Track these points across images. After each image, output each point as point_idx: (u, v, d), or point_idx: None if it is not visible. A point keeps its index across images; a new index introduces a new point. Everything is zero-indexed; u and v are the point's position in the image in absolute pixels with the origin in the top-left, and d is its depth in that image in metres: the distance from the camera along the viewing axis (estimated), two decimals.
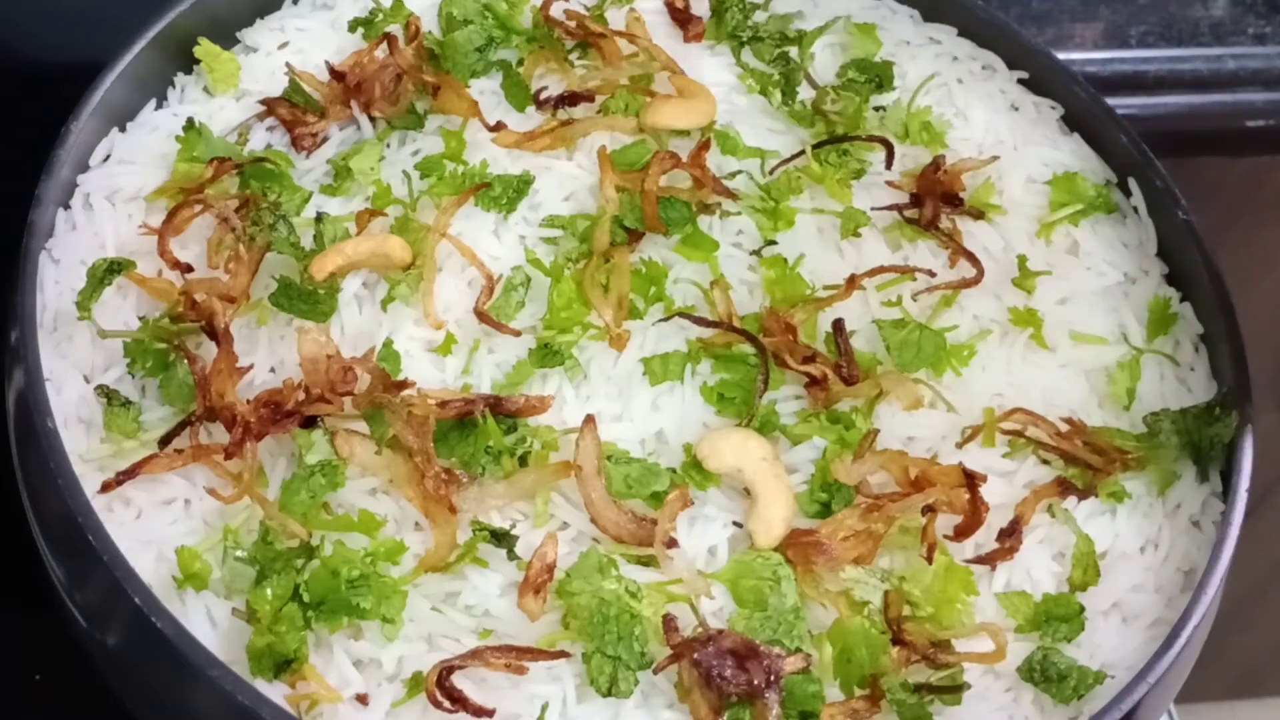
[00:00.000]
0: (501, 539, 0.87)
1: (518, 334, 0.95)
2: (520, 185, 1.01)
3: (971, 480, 0.91)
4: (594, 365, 0.95)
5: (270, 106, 1.06)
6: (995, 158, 1.08)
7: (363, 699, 0.84)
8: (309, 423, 0.91)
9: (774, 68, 1.12)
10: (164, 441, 0.91)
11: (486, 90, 1.10)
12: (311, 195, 1.03)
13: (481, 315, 0.95)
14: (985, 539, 0.92)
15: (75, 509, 0.84)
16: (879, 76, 1.13)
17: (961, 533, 0.91)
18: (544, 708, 0.83)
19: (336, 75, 1.07)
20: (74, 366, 0.94)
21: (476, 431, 0.90)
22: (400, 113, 1.06)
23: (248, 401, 0.90)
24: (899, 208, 1.05)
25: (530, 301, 0.97)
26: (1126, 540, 0.95)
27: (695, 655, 0.83)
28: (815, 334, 0.99)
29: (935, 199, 1.04)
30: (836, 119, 1.08)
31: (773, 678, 0.83)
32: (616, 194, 1.00)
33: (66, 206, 1.01)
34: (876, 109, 1.12)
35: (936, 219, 1.03)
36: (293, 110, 1.07)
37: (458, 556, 0.87)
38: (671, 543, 0.88)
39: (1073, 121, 1.15)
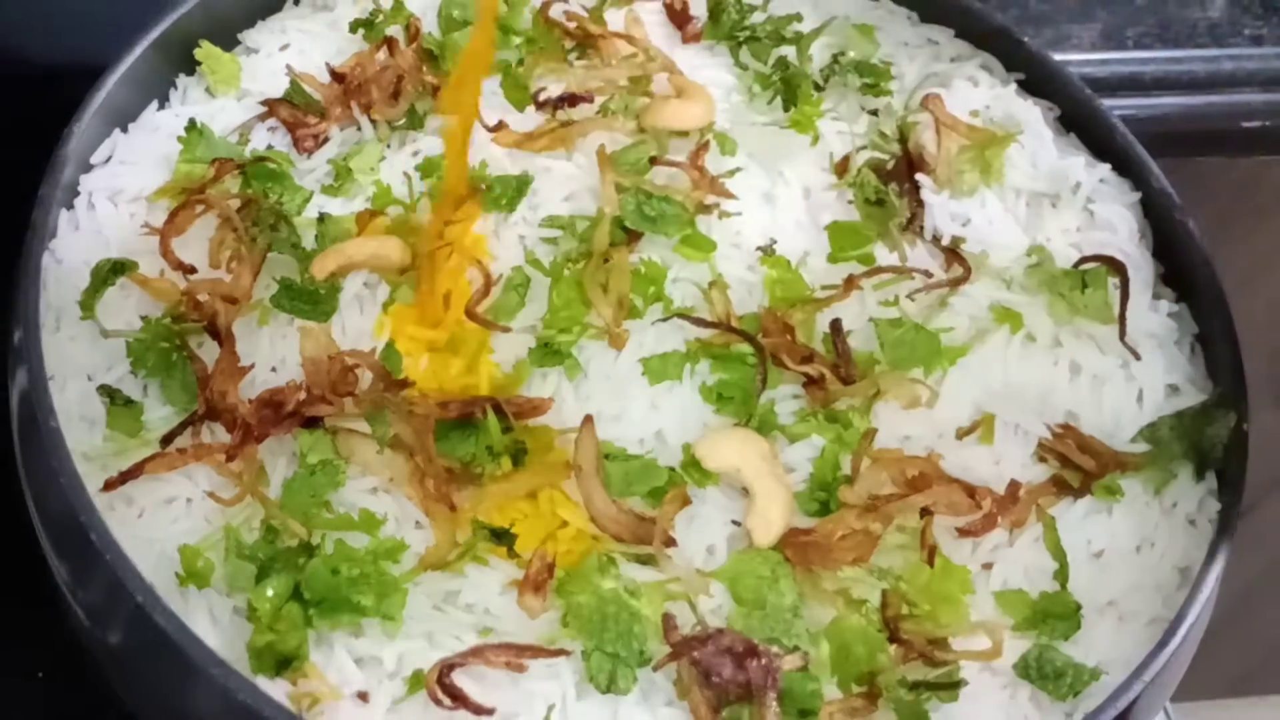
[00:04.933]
0: (501, 538, 0.87)
1: (508, 330, 0.96)
2: (520, 185, 1.02)
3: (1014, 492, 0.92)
4: (593, 365, 0.96)
5: (271, 107, 1.07)
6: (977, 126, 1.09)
7: (364, 696, 0.84)
8: (310, 423, 0.91)
9: (774, 72, 1.12)
10: (166, 441, 0.91)
11: (486, 91, 1.10)
12: (312, 195, 1.03)
13: (471, 315, 0.95)
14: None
15: (78, 507, 0.85)
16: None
17: (970, 533, 0.92)
18: (550, 709, 0.84)
19: (337, 77, 1.08)
20: (77, 366, 0.95)
21: (477, 431, 0.91)
22: (400, 114, 1.07)
23: (249, 401, 0.91)
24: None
25: (530, 301, 0.98)
26: (1123, 539, 0.96)
27: (694, 654, 0.84)
28: (813, 334, 0.99)
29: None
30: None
31: (771, 677, 0.84)
32: (616, 194, 1.01)
33: (69, 207, 1.01)
34: (872, 112, 1.12)
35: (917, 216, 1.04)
36: (294, 111, 1.07)
37: (458, 555, 0.88)
38: (670, 542, 0.89)
39: (1070, 123, 1.15)
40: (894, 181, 1.06)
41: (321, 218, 0.99)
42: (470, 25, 1.12)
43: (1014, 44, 1.16)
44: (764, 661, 0.84)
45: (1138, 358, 1.01)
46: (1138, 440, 0.98)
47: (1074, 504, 0.95)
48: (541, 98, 1.08)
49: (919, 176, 1.07)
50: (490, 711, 0.82)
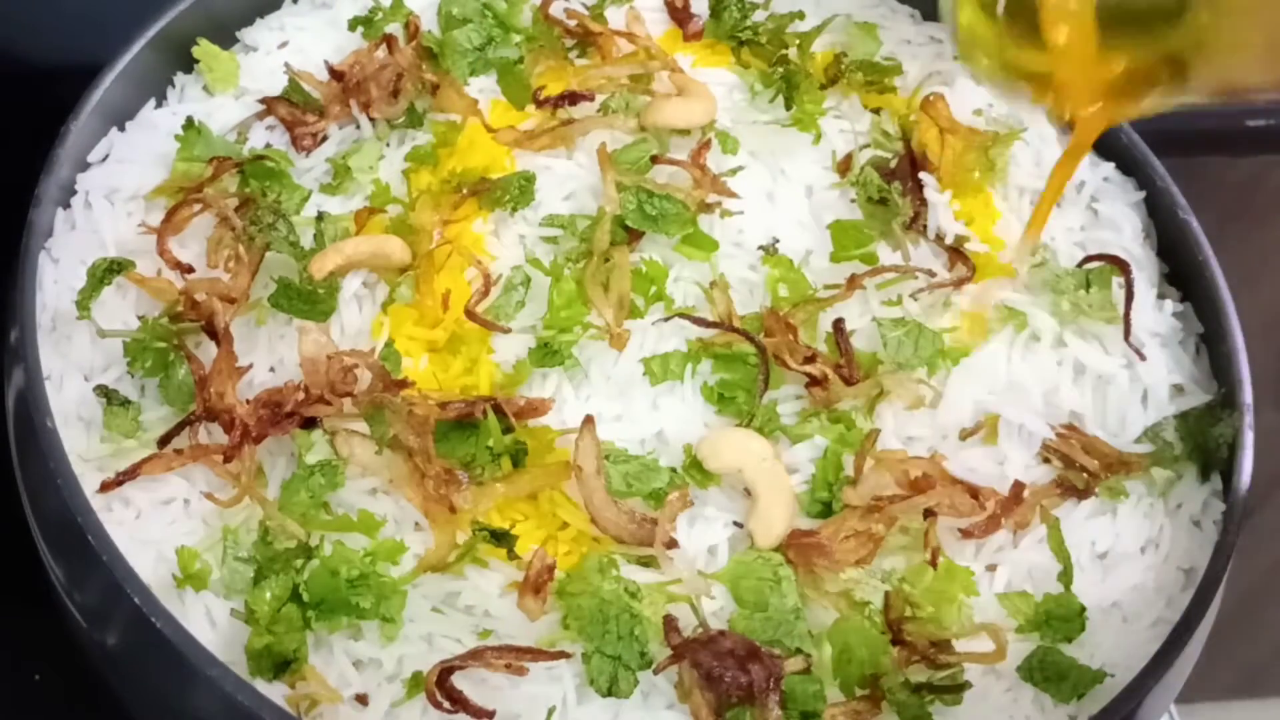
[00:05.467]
0: (501, 539, 0.87)
1: (507, 330, 0.95)
2: (523, 183, 1.01)
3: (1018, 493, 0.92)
4: (594, 365, 0.95)
5: (270, 105, 1.06)
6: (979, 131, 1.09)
7: (362, 699, 0.84)
8: (309, 423, 0.91)
9: (776, 70, 1.12)
10: (163, 441, 0.91)
11: (486, 89, 1.10)
12: (311, 194, 1.03)
13: (471, 315, 0.95)
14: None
15: (74, 509, 0.84)
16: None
17: (973, 534, 0.92)
18: (550, 712, 0.83)
19: (335, 75, 1.07)
20: (73, 366, 0.94)
21: (477, 432, 0.90)
22: (399, 112, 1.06)
23: (247, 402, 0.90)
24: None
25: (530, 301, 0.97)
26: (1127, 540, 0.95)
27: (696, 656, 0.83)
28: (816, 334, 0.99)
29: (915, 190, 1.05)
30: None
31: (773, 679, 0.83)
32: (618, 193, 1.00)
33: (66, 206, 1.01)
34: (874, 110, 1.12)
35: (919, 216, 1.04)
36: (292, 109, 1.06)
37: (457, 556, 0.87)
38: (671, 543, 0.88)
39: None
40: (897, 180, 1.05)
41: (320, 216, 0.99)
42: (469, 23, 1.11)
43: None
44: (766, 664, 0.84)
45: (1142, 358, 1.00)
46: (1142, 441, 0.98)
47: (1078, 505, 0.95)
48: (542, 96, 1.08)
49: (922, 175, 1.06)
50: (490, 715, 0.82)
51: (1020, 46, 0.95)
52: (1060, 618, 0.91)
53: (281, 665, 0.83)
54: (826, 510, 0.92)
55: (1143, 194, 1.10)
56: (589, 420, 0.89)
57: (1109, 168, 1.10)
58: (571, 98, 1.07)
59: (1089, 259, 1.04)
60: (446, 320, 0.96)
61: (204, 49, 1.08)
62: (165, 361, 0.93)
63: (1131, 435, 0.98)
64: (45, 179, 0.98)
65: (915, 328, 0.98)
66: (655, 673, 0.85)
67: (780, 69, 1.11)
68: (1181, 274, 1.07)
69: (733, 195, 1.03)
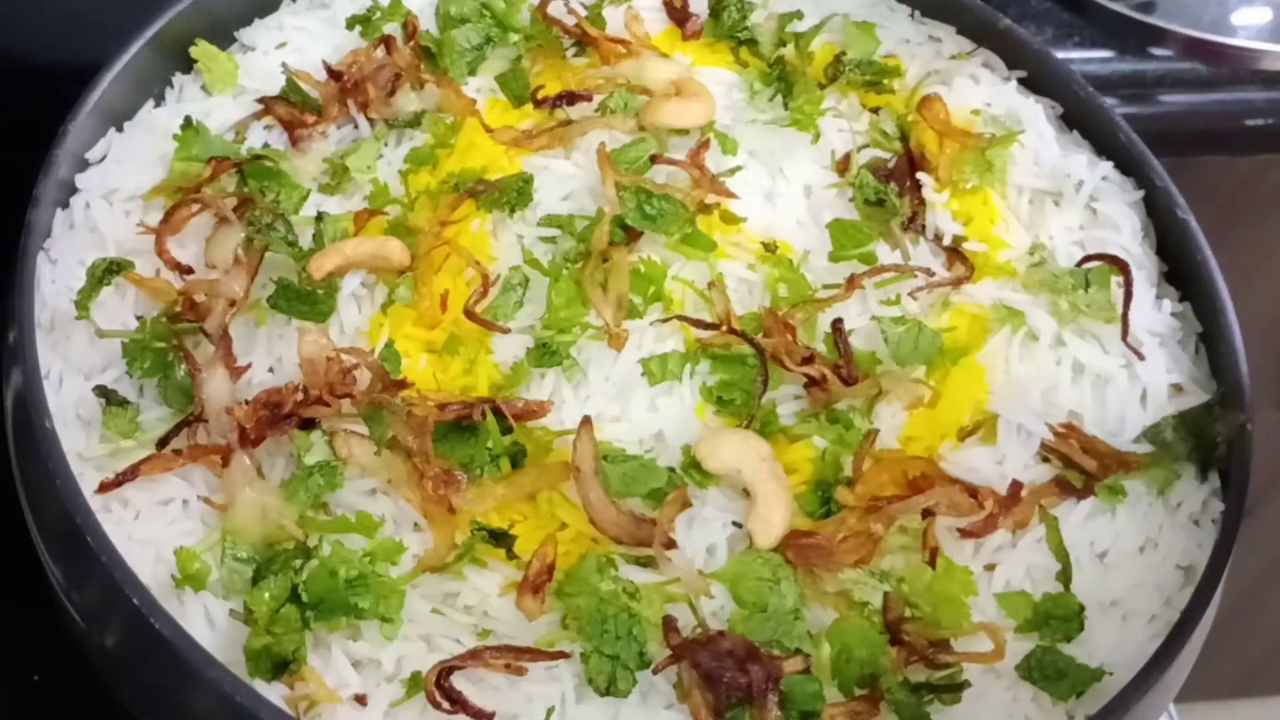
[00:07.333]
0: (500, 539, 0.87)
1: (506, 330, 0.95)
2: (522, 184, 1.01)
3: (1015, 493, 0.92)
4: (592, 365, 0.95)
5: (268, 105, 1.06)
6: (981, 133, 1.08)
7: (361, 699, 0.84)
8: (307, 424, 0.91)
9: (775, 69, 1.12)
10: (162, 442, 0.91)
11: (484, 89, 1.10)
12: (309, 193, 1.03)
13: (470, 314, 0.94)
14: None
15: (73, 509, 0.84)
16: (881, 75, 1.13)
17: (972, 534, 0.92)
18: (549, 712, 0.83)
19: (334, 74, 1.07)
20: (72, 366, 0.94)
21: (476, 433, 0.90)
22: (397, 112, 1.06)
23: (245, 402, 0.90)
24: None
25: (529, 301, 0.97)
26: (1126, 539, 0.95)
27: (695, 657, 0.83)
28: (814, 334, 0.98)
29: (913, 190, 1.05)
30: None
31: (772, 679, 0.83)
32: (617, 193, 1.00)
33: (65, 206, 1.01)
34: (873, 110, 1.12)
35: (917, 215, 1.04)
36: (290, 109, 1.06)
37: (456, 557, 0.87)
38: (670, 543, 0.88)
39: (1072, 120, 1.14)
40: (895, 180, 1.05)
41: (319, 216, 0.99)
42: (467, 22, 1.11)
43: (1016, 41, 1.15)
44: (765, 664, 0.83)
45: (1141, 357, 1.00)
46: (1141, 440, 0.98)
47: (1077, 504, 0.95)
48: (540, 96, 1.08)
49: (920, 175, 1.06)
50: (489, 715, 0.82)
51: None
52: (1059, 617, 0.90)
53: (280, 666, 0.83)
54: (825, 510, 0.92)
55: (1141, 193, 1.10)
56: (586, 421, 0.89)
57: (1107, 167, 1.10)
58: (570, 98, 1.07)
59: (1088, 258, 1.04)
60: (445, 321, 0.96)
61: (202, 49, 1.08)
62: (164, 362, 0.93)
63: (1130, 435, 0.98)
64: (44, 179, 0.98)
65: (916, 325, 0.98)
66: (654, 673, 0.85)
67: (779, 68, 1.11)
68: (1180, 273, 1.07)
69: (731, 195, 1.03)
